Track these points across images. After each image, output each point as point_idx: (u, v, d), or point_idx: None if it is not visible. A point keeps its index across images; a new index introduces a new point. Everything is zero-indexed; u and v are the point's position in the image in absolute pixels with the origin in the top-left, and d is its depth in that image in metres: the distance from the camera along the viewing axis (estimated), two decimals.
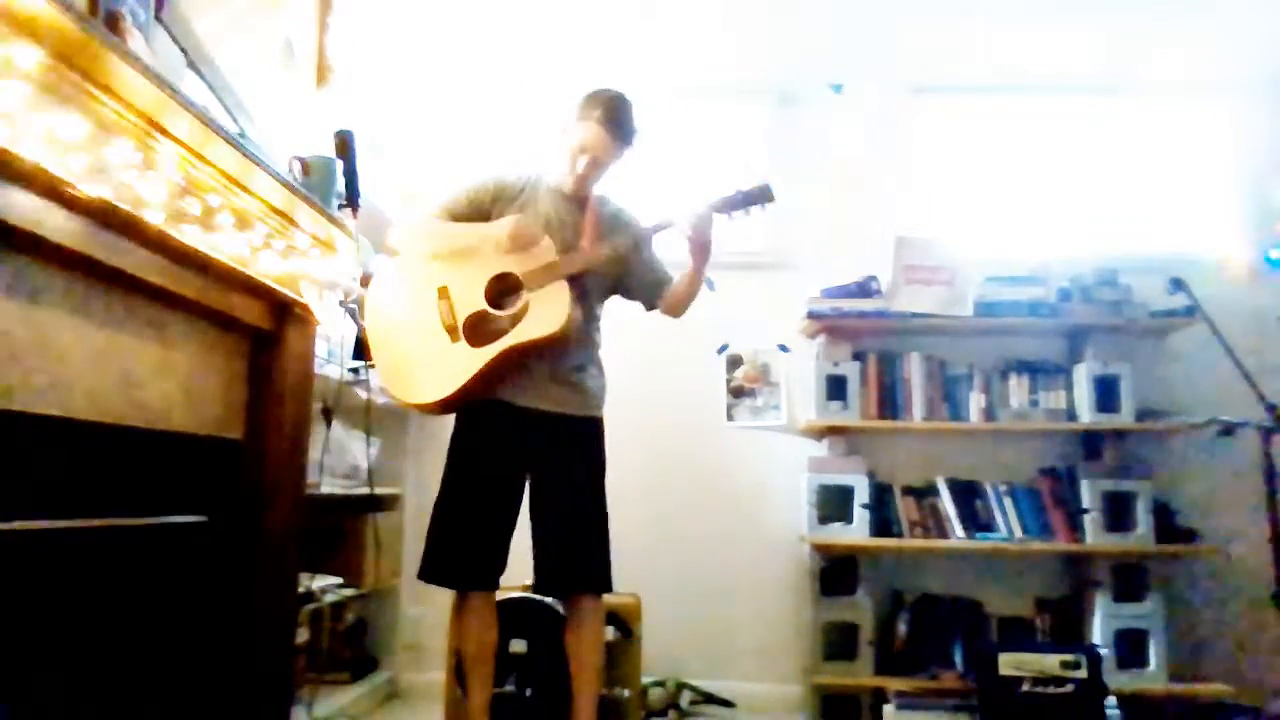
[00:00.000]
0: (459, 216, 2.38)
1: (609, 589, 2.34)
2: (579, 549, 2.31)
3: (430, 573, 2.31)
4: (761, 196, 2.28)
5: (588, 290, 2.36)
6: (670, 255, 2.48)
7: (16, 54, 1.17)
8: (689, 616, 3.37)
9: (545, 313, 2.23)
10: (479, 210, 2.38)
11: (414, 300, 2.33)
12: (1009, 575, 3.37)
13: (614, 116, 2.29)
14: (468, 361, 2.25)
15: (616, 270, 2.42)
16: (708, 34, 3.56)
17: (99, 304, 1.53)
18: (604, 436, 2.41)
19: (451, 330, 2.28)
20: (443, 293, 2.31)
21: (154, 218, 1.50)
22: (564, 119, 2.35)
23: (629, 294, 2.49)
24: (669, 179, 3.50)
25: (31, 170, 1.26)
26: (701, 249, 2.31)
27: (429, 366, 2.29)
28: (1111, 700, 2.89)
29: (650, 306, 2.48)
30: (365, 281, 2.74)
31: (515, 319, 2.24)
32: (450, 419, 2.43)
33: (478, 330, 2.27)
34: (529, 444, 2.31)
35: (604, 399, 2.43)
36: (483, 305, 2.28)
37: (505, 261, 2.28)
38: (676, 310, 2.45)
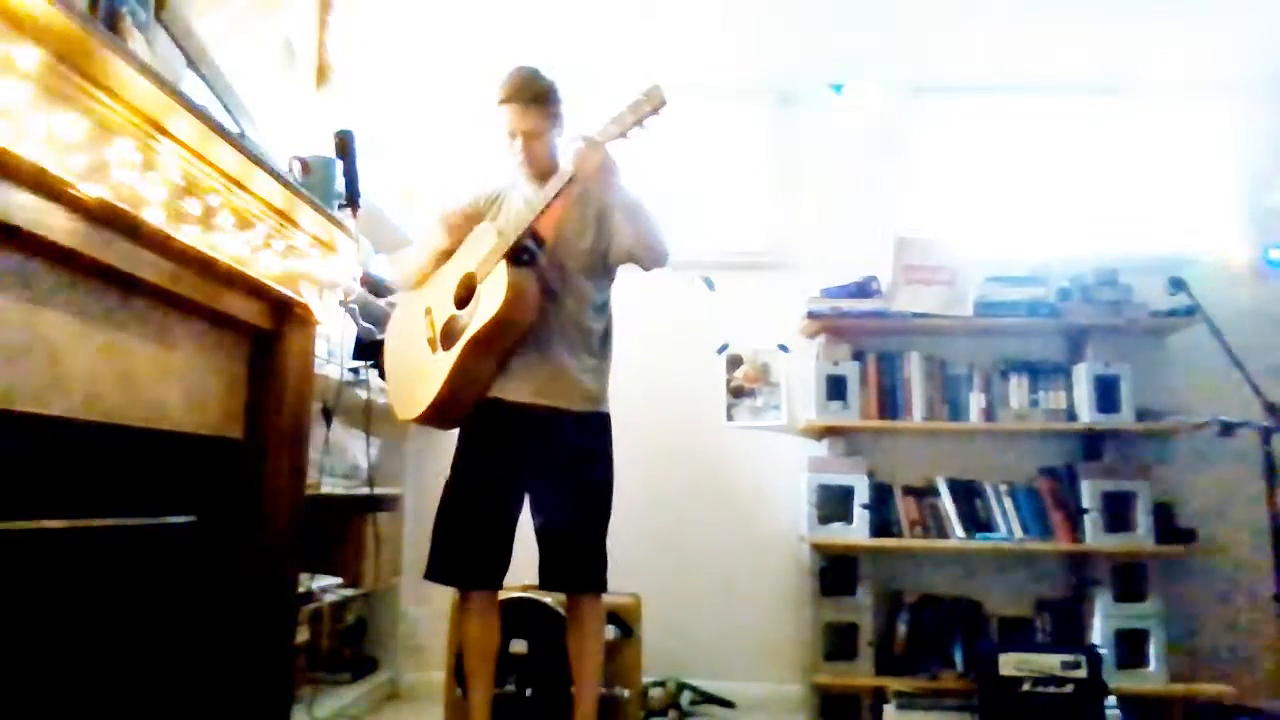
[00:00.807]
0: (444, 247, 2.44)
1: (603, 589, 2.33)
2: (572, 549, 2.31)
3: (435, 572, 2.31)
4: (650, 100, 2.10)
5: (565, 269, 2.33)
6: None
7: (16, 54, 1.17)
8: (689, 616, 3.37)
9: (489, 294, 2.22)
10: (458, 236, 2.42)
11: (410, 327, 2.44)
12: (1009, 575, 3.37)
13: (512, 88, 2.29)
14: (442, 365, 2.28)
15: (598, 242, 2.36)
16: (708, 34, 3.55)
17: (99, 304, 1.53)
18: (609, 433, 2.37)
19: (432, 342, 2.34)
20: (427, 311, 2.40)
21: (154, 218, 1.50)
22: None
23: (619, 259, 2.38)
24: (669, 178, 3.50)
25: (31, 170, 1.26)
26: (601, 180, 2.20)
27: (419, 381, 2.34)
28: (1111, 700, 2.89)
29: (644, 266, 2.37)
30: (365, 282, 2.74)
31: (471, 312, 2.26)
32: None
33: (450, 334, 2.30)
34: (527, 443, 2.30)
35: (605, 391, 2.37)
36: (451, 310, 2.32)
37: (466, 263, 2.33)
38: (645, 253, 2.31)
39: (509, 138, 2.33)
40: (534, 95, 2.30)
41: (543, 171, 2.34)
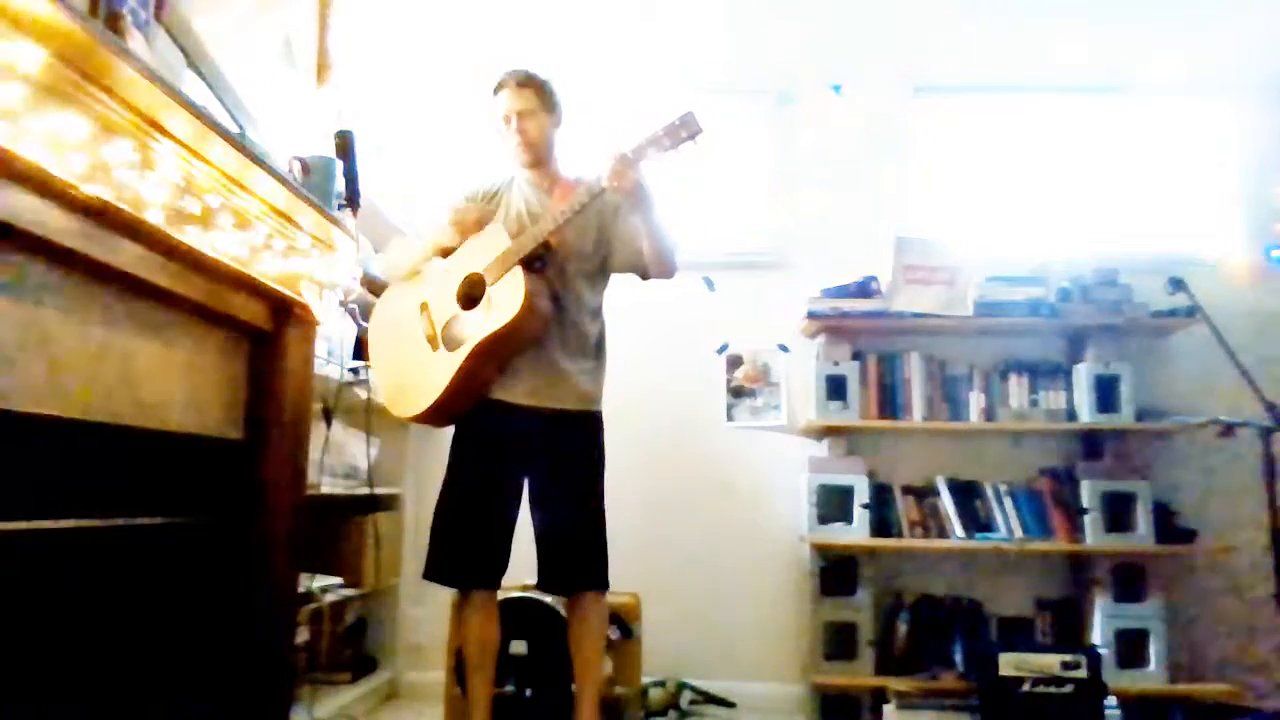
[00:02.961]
0: (449, 245, 2.43)
1: (605, 586, 2.34)
2: (575, 547, 2.31)
3: (434, 572, 2.32)
4: (687, 128, 2.11)
5: (566, 273, 2.34)
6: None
7: (17, 54, 1.16)
8: (689, 616, 3.36)
9: (502, 301, 2.22)
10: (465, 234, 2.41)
11: (403, 321, 2.41)
12: (1009, 575, 3.37)
13: (502, 76, 2.38)
14: (446, 366, 2.27)
15: (598, 247, 2.38)
16: (708, 34, 3.56)
17: (99, 304, 1.52)
18: (602, 431, 2.39)
19: (432, 340, 2.33)
20: (424, 307, 2.38)
21: (154, 218, 1.50)
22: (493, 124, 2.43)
23: (619, 268, 2.41)
24: (667, 177, 3.50)
25: (31, 170, 1.26)
26: (632, 198, 2.22)
27: (417, 379, 2.33)
28: (1111, 700, 2.89)
29: (644, 276, 2.40)
30: (365, 282, 2.74)
31: (483, 316, 2.25)
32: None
33: (454, 335, 2.29)
34: (524, 442, 2.31)
35: (600, 392, 2.40)
36: (455, 310, 2.30)
37: (471, 262, 2.32)
38: (657, 268, 2.35)
39: (504, 124, 2.37)
40: (524, 78, 2.37)
41: (539, 158, 2.40)
